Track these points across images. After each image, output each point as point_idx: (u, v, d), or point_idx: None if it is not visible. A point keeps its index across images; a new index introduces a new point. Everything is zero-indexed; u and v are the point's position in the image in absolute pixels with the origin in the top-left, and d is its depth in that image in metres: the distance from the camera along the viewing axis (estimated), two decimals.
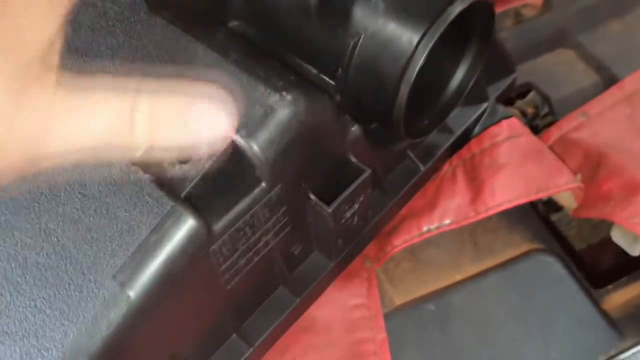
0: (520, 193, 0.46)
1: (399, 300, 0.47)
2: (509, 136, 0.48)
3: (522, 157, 0.47)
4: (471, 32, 0.41)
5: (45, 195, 0.34)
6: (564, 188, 0.47)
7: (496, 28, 0.62)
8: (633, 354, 0.43)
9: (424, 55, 0.35)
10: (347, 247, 0.44)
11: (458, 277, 0.48)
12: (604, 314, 0.45)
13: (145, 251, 0.32)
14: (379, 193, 0.46)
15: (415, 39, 0.36)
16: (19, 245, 0.33)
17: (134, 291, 0.32)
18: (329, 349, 0.44)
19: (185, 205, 0.32)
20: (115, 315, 0.32)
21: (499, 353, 0.43)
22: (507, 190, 0.46)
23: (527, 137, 0.49)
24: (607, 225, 0.48)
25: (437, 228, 0.47)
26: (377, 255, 0.47)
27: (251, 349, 0.41)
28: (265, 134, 0.33)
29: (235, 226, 0.34)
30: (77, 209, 0.33)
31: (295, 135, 0.34)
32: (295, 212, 0.39)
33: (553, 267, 0.47)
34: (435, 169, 0.50)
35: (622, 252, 0.48)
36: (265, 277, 0.41)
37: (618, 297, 0.47)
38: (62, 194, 0.34)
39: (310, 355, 0.44)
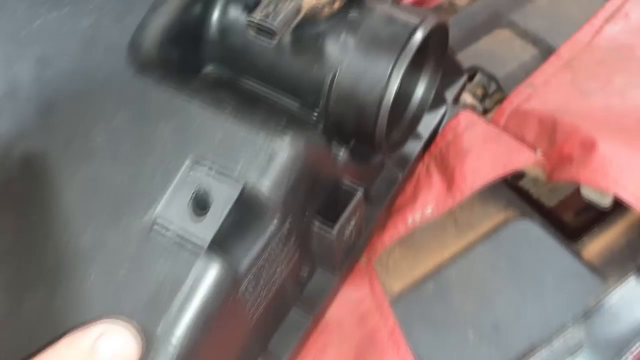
0: (488, 173, 0.51)
1: (398, 287, 0.51)
2: (467, 125, 0.54)
3: (482, 141, 0.52)
4: (428, 51, 0.47)
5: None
6: (526, 163, 0.52)
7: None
8: (615, 292, 0.49)
9: (398, 82, 0.40)
10: (347, 260, 0.49)
11: (446, 254, 0.53)
12: (586, 263, 0.50)
13: (181, 301, 0.35)
14: (367, 205, 0.50)
15: (388, 69, 0.41)
16: None
17: (175, 338, 0.35)
18: (345, 344, 0.48)
19: (211, 254, 0.36)
20: None
21: (499, 316, 0.48)
22: (476, 173, 0.51)
23: (483, 124, 0.54)
24: None
25: (421, 218, 0.52)
26: (370, 253, 0.52)
27: None
28: (273, 178, 0.37)
29: (257, 264, 0.38)
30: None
31: (298, 173, 0.38)
32: (302, 239, 0.43)
33: (531, 230, 0.52)
34: (412, 172, 0.55)
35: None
36: (281, 303, 0.45)
37: (594, 246, 0.53)
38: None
39: (328, 353, 0.48)
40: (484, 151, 0.52)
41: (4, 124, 0.43)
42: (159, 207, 0.37)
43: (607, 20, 0.64)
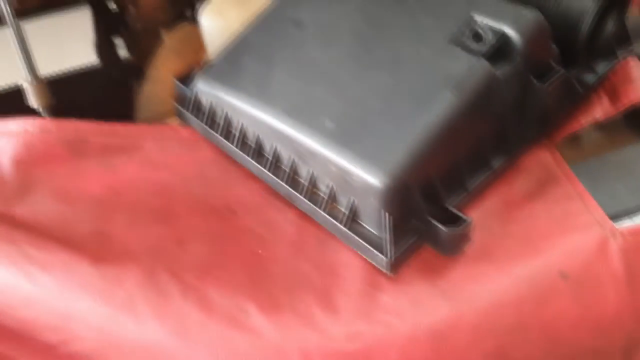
0: None
1: None
2: (634, 65, 0.78)
3: None
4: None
5: None
6: None
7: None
8: None
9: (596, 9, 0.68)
10: (542, 125, 0.73)
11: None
12: None
13: (466, 76, 0.62)
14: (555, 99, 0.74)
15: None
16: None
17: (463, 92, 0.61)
18: (528, 179, 0.71)
19: (479, 59, 0.63)
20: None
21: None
22: (636, 94, 0.74)
23: None
24: None
25: (591, 121, 0.75)
26: (550, 139, 0.75)
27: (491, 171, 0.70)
28: (521, 30, 0.64)
29: (504, 78, 0.64)
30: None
31: (533, 32, 0.64)
32: (523, 90, 0.68)
33: None
34: (588, 95, 0.78)
35: None
36: (502, 126, 0.69)
37: None
38: None
39: (515, 185, 0.71)
40: None
41: None
42: (452, 33, 0.64)
43: None
